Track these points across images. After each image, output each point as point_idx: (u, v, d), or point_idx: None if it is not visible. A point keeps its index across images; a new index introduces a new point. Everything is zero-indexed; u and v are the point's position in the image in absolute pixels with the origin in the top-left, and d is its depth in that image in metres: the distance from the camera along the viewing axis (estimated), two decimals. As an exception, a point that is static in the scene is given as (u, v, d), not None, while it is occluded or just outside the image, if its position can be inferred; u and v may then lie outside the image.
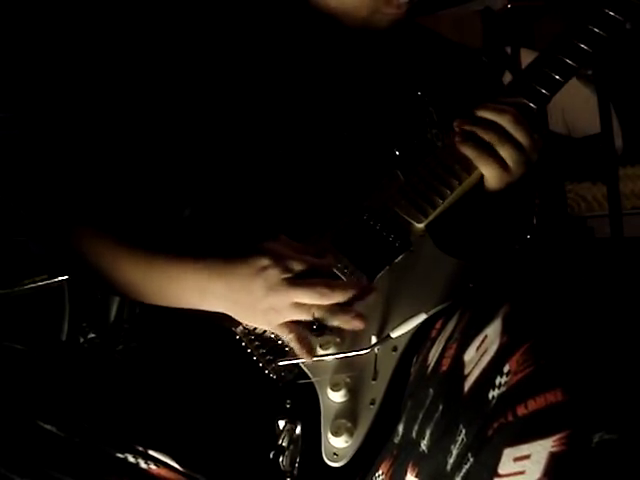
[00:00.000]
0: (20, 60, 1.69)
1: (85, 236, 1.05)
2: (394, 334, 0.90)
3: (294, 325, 0.92)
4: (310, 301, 0.90)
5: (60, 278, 1.64)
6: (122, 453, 0.81)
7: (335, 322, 0.91)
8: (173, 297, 0.99)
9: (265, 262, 0.92)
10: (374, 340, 0.91)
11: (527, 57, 2.10)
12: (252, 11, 1.16)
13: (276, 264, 0.92)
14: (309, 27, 1.14)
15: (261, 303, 0.92)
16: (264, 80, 1.09)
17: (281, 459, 0.88)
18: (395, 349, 0.92)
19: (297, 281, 0.91)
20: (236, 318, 0.95)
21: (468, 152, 0.99)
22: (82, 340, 1.56)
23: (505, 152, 0.98)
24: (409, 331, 0.91)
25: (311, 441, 0.89)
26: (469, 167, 0.99)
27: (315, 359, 0.92)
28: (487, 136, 0.98)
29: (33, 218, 1.12)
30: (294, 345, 0.91)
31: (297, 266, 0.92)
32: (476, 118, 1.01)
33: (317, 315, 0.91)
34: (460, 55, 1.25)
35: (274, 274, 0.91)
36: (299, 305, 0.91)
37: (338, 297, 0.91)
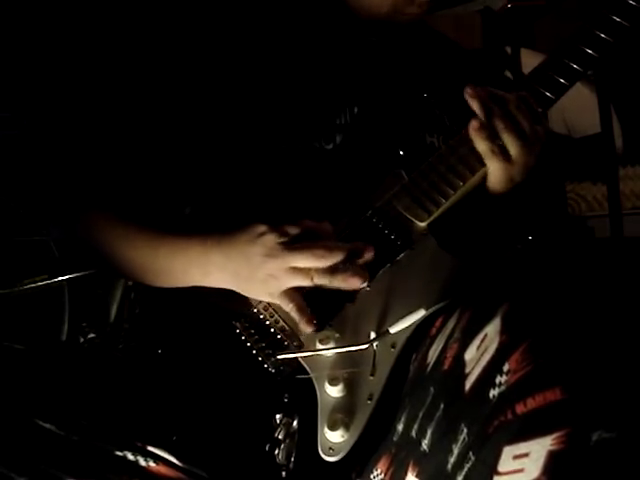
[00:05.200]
0: (20, 60, 1.69)
1: (98, 219, 1.06)
2: (393, 330, 0.90)
3: (294, 294, 0.92)
4: (308, 264, 0.90)
5: (60, 278, 1.64)
6: (121, 451, 0.81)
7: (336, 283, 0.91)
8: (179, 273, 1.00)
9: (261, 229, 0.93)
10: (373, 336, 0.91)
11: (527, 57, 2.11)
12: (261, 5, 1.16)
13: (272, 230, 0.92)
14: (319, 26, 1.14)
15: (260, 271, 0.92)
16: (269, 77, 1.09)
17: (277, 452, 0.88)
18: (394, 346, 0.92)
19: (294, 245, 0.91)
20: (239, 292, 0.95)
21: (479, 143, 0.99)
22: (82, 340, 1.56)
23: (508, 138, 0.98)
24: (408, 327, 0.91)
25: (307, 435, 0.89)
26: (473, 167, 0.99)
27: (314, 353, 0.92)
28: (496, 120, 0.98)
29: (49, 205, 1.14)
30: (295, 315, 0.91)
31: (293, 230, 0.93)
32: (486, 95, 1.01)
33: (316, 279, 0.91)
34: (468, 57, 1.26)
35: (270, 239, 0.92)
36: (297, 270, 0.91)
37: (336, 257, 0.91)
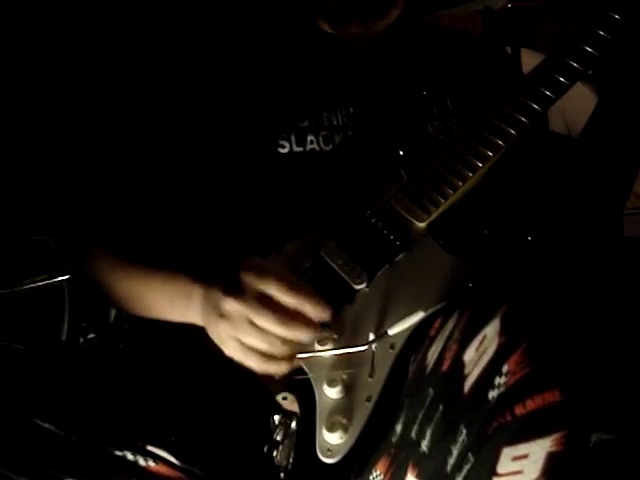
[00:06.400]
0: (21, 60, 1.69)
1: (94, 249, 1.08)
2: (391, 331, 0.90)
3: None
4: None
5: (60, 278, 1.64)
6: (120, 451, 0.81)
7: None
8: (166, 305, 1.00)
9: (219, 295, 0.90)
10: (372, 337, 0.91)
11: (527, 57, 2.10)
12: (256, 15, 1.17)
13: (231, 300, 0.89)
14: (311, 28, 1.14)
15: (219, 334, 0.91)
16: (264, 84, 1.10)
17: (275, 453, 0.88)
18: (392, 347, 0.91)
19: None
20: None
21: None
22: (82, 340, 1.56)
23: None
24: (407, 329, 0.91)
25: (306, 436, 0.89)
26: (472, 167, 0.99)
27: (312, 355, 0.92)
28: None
29: (60, 233, 1.16)
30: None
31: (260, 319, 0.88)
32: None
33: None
34: (473, 47, 1.26)
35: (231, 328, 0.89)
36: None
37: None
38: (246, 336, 0.87)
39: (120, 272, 1.05)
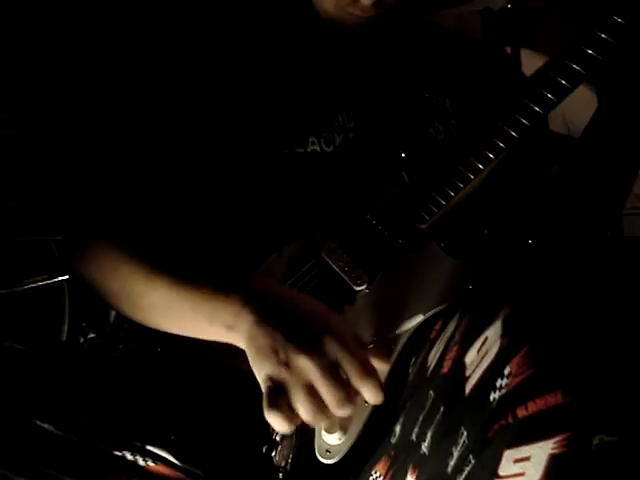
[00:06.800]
0: (21, 60, 1.69)
1: (107, 252, 1.01)
2: (391, 334, 0.90)
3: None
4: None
5: (60, 278, 1.64)
6: (120, 451, 0.81)
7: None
8: (204, 322, 0.90)
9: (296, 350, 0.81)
10: (371, 338, 0.91)
11: (527, 57, 2.10)
12: (258, 16, 1.17)
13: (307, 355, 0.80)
14: (313, 28, 1.14)
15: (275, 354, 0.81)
16: (264, 86, 1.10)
17: (274, 454, 0.88)
18: (392, 349, 0.91)
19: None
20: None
21: None
22: (82, 340, 1.56)
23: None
24: (406, 331, 0.91)
25: (304, 437, 0.89)
26: (474, 169, 0.99)
27: None
28: None
29: (66, 234, 1.12)
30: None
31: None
32: None
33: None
34: (472, 47, 1.26)
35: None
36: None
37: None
38: (298, 395, 0.79)
39: (147, 282, 0.95)
